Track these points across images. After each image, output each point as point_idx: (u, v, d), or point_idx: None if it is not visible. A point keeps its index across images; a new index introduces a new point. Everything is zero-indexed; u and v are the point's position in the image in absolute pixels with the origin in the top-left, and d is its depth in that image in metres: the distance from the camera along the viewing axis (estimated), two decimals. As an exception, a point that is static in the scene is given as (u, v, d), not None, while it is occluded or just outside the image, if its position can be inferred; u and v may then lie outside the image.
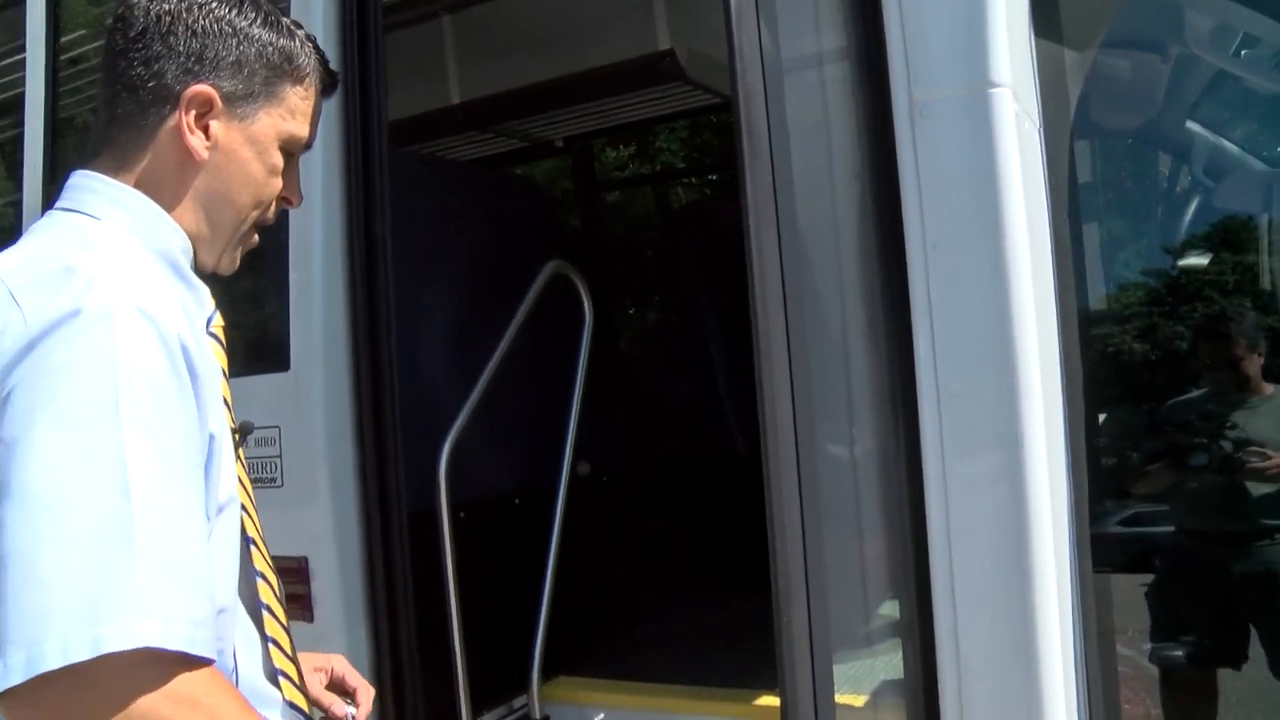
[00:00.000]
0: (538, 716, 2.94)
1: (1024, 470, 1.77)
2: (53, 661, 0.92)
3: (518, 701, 2.98)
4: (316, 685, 1.57)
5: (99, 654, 0.93)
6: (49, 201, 3.12)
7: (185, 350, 1.10)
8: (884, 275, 1.92)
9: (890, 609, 2.08)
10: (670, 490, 3.97)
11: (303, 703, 1.35)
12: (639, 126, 5.57)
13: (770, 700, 2.76)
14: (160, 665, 0.98)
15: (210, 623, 1.03)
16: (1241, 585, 2.38)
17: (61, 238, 1.18)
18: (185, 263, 1.26)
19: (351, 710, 1.57)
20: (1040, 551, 1.78)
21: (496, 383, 2.88)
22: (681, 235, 4.25)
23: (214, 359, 1.21)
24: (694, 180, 7.58)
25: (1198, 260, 2.57)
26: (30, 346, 1.02)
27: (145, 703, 0.96)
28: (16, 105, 3.30)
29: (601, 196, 5.55)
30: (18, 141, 3.28)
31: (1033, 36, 1.96)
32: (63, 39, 3.26)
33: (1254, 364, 2.44)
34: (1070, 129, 2.09)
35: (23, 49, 3.25)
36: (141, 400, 1.03)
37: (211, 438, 1.14)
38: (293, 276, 2.51)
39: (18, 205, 3.26)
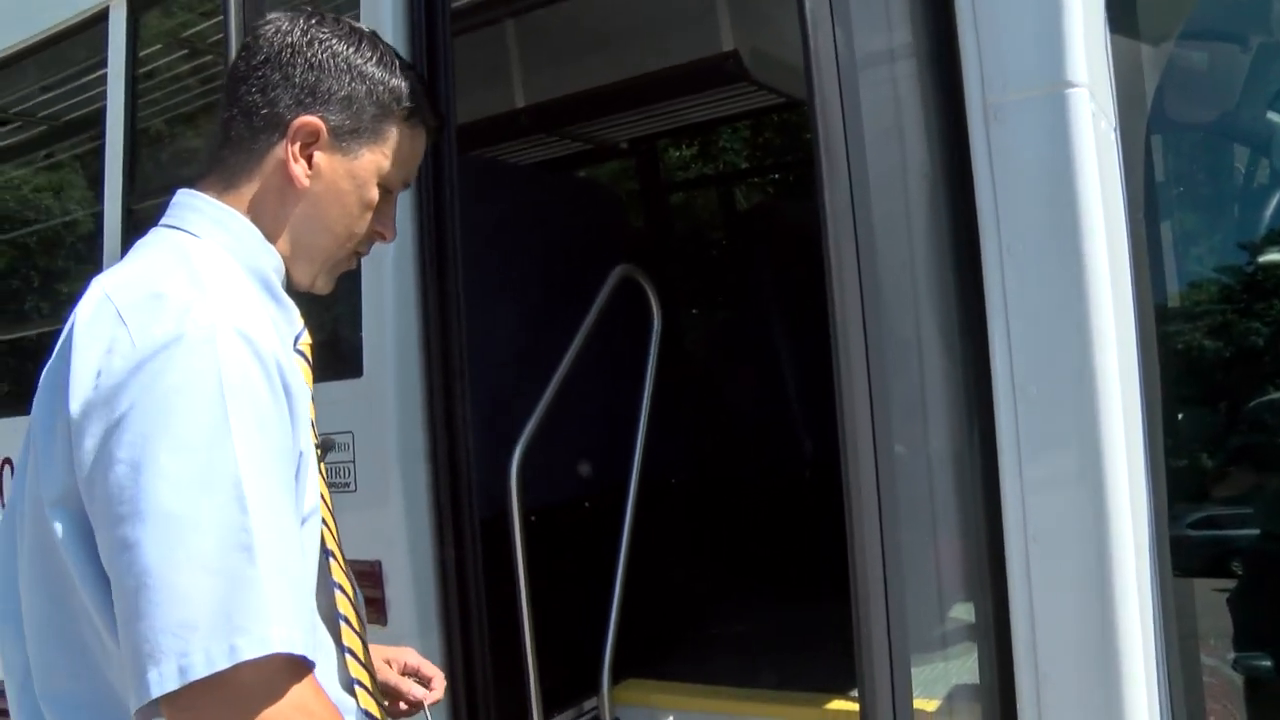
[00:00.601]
0: (608, 719, 2.95)
1: (1103, 472, 1.74)
2: (199, 670, 1.03)
3: (588, 704, 3.00)
4: (387, 671, 1.63)
5: (236, 662, 1.03)
6: (129, 211, 3.20)
7: (280, 369, 1.15)
8: (959, 278, 1.90)
9: (964, 612, 2.06)
10: (738, 494, 3.96)
11: (377, 711, 1.39)
12: (702, 127, 5.56)
13: (842, 704, 2.74)
14: (285, 669, 1.08)
15: (313, 629, 1.13)
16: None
17: (162, 256, 1.24)
18: (277, 281, 1.31)
19: (420, 690, 1.64)
20: (1120, 555, 1.75)
21: (566, 387, 2.89)
22: (749, 236, 4.23)
23: (303, 377, 1.26)
24: (757, 180, 7.56)
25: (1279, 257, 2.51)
26: (138, 368, 1.09)
27: (273, 707, 1.07)
28: (98, 118, 3.38)
29: (667, 198, 5.55)
30: (99, 153, 3.36)
31: (1108, 33, 1.93)
32: (142, 53, 3.33)
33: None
34: (1146, 126, 2.05)
35: (104, 64, 3.32)
36: (247, 418, 1.10)
37: (300, 454, 1.20)
38: (365, 283, 2.54)
39: (99, 215, 3.34)
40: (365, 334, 2.58)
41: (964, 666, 2.05)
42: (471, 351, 2.55)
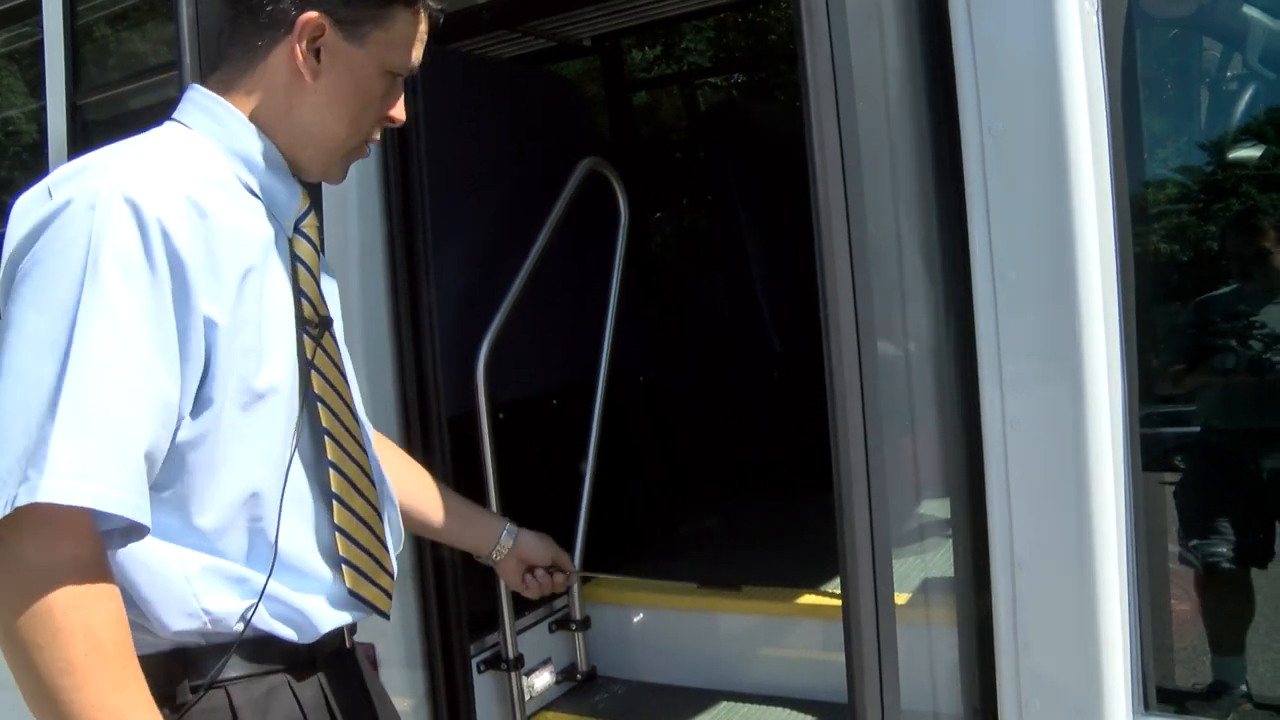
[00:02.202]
0: (578, 616, 2.96)
1: (1081, 360, 1.74)
2: None
3: (558, 603, 3.01)
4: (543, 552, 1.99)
5: (10, 509, 1.08)
6: (74, 108, 3.06)
7: (167, 237, 1.18)
8: (939, 163, 1.87)
9: (939, 507, 2.06)
10: (707, 391, 3.96)
11: (368, 593, 1.41)
12: (666, 24, 5.45)
13: (812, 599, 2.78)
14: (67, 527, 1.12)
15: (135, 485, 1.14)
16: (1272, 484, 2.35)
17: (130, 140, 1.30)
18: (263, 163, 1.35)
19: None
20: (1097, 448, 1.75)
21: (533, 283, 2.85)
22: (712, 136, 4.17)
23: (245, 247, 1.28)
24: (721, 81, 7.47)
25: (1251, 152, 2.48)
26: (34, 236, 1.17)
27: (44, 563, 1.11)
28: (33, 10, 3.22)
29: (631, 99, 5.45)
30: (38, 49, 3.22)
31: (1093, -94, 1.86)
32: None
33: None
34: (1129, 8, 2.00)
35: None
36: (107, 279, 1.14)
37: (213, 325, 1.22)
38: (326, 178, 2.47)
39: (42, 111, 3.21)
40: (327, 228, 2.51)
41: (939, 559, 2.06)
42: (438, 248, 2.50)
